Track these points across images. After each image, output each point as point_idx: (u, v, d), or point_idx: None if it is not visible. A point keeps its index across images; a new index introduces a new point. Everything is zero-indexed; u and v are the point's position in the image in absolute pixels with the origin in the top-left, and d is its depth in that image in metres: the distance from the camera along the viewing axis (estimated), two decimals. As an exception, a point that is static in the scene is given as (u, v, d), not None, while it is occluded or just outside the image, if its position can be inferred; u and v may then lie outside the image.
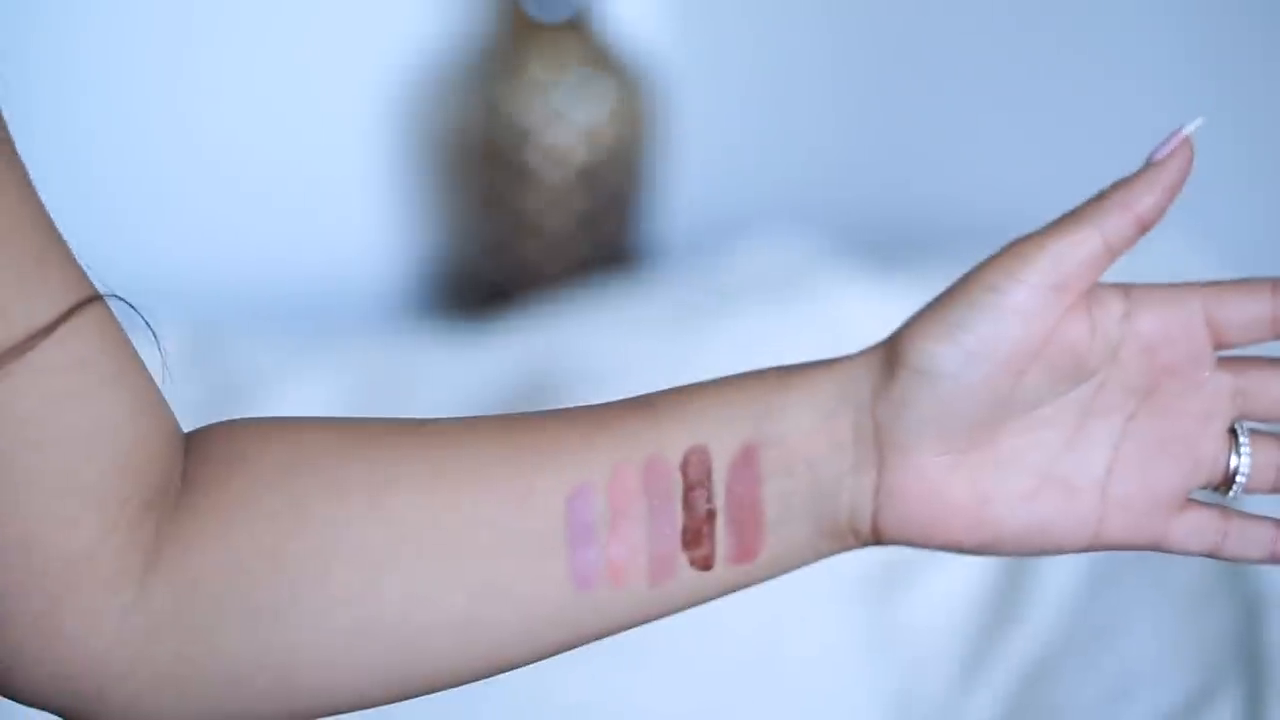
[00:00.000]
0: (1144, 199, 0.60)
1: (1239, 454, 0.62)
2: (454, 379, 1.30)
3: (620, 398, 0.64)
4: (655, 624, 0.63)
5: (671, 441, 0.61)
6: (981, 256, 0.61)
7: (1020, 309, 0.59)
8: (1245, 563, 0.63)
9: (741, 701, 1.16)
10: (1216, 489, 0.63)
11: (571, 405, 0.63)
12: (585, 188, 1.54)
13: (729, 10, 1.63)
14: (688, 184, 1.64)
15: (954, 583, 1.18)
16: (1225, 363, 0.62)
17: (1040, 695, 1.11)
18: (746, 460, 0.61)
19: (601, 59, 1.53)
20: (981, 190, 1.47)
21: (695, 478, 0.61)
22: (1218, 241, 1.25)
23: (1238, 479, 0.62)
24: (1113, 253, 0.60)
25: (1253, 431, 0.62)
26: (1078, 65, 1.44)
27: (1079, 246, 0.59)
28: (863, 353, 0.62)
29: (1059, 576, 1.15)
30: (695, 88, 1.61)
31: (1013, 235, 0.61)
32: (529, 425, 0.62)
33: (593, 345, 1.30)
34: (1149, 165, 0.60)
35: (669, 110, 1.59)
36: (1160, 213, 0.60)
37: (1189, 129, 0.60)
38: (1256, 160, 1.34)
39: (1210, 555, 0.63)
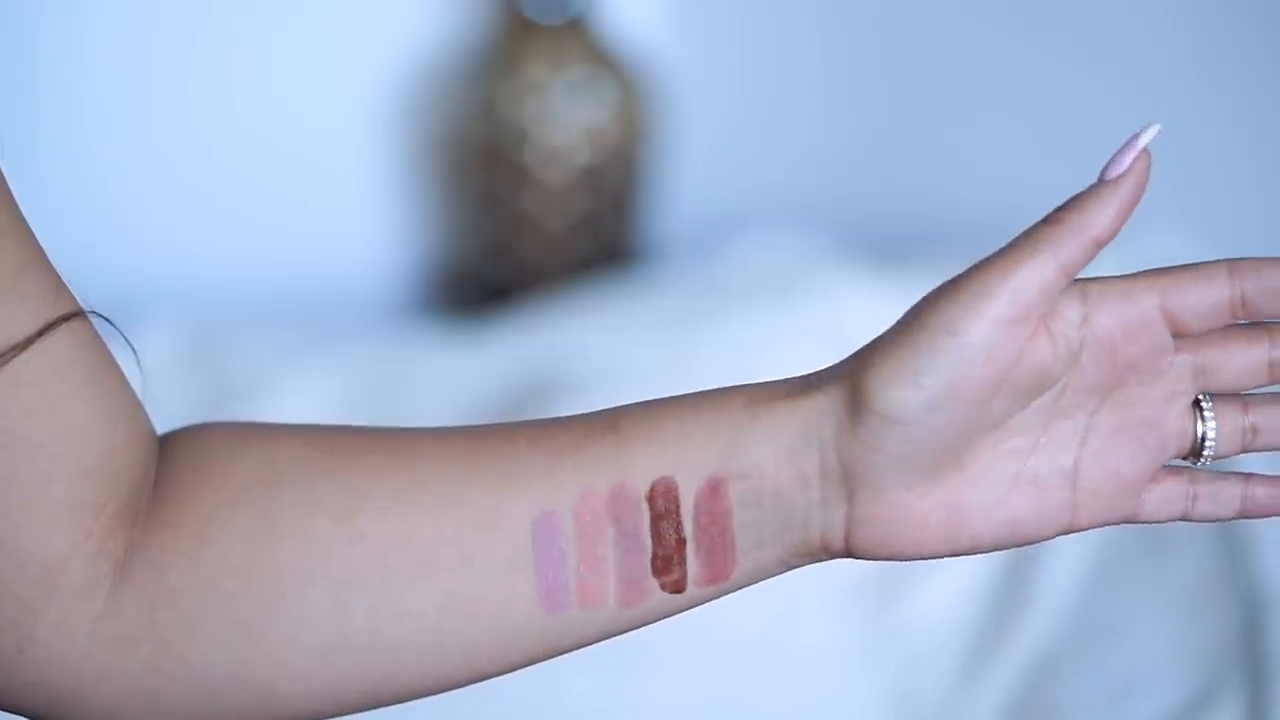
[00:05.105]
0: (1100, 221, 0.58)
1: (1204, 421, 0.61)
2: (453, 379, 1.30)
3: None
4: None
5: (638, 470, 0.61)
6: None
7: (982, 347, 0.58)
8: (1216, 521, 0.62)
9: (743, 701, 1.16)
10: (1187, 458, 0.62)
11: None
12: (585, 188, 1.54)
13: (729, 10, 1.63)
14: (688, 184, 1.64)
15: (954, 583, 1.18)
16: (1183, 341, 0.61)
17: (1042, 695, 1.11)
18: (714, 492, 0.61)
19: (601, 59, 1.53)
20: (982, 190, 1.47)
21: (663, 509, 0.61)
22: (1214, 239, 1.25)
23: (1206, 446, 0.61)
24: (1070, 276, 0.59)
25: (1215, 396, 0.62)
26: (1076, 63, 1.44)
27: (1037, 277, 0.58)
28: (827, 386, 0.61)
29: (1060, 576, 1.15)
30: (695, 88, 1.61)
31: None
32: (496, 443, 0.62)
33: (592, 345, 1.30)
34: (1103, 183, 0.59)
35: (669, 110, 1.59)
36: (1117, 229, 0.59)
37: (1144, 139, 0.59)
38: (1253, 157, 1.34)
39: (1183, 519, 0.62)
